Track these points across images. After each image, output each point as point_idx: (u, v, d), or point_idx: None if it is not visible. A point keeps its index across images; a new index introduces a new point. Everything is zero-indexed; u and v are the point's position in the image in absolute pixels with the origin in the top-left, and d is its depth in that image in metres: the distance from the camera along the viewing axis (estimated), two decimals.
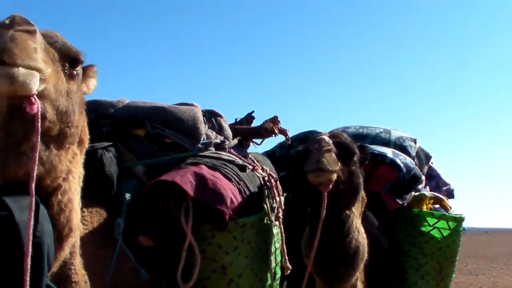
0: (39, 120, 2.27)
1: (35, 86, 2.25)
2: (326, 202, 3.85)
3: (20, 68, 2.15)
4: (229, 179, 3.82)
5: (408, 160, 5.32)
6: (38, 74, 2.24)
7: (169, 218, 3.63)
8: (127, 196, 3.64)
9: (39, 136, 2.27)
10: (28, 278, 2.12)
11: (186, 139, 4.05)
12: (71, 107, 2.55)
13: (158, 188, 3.61)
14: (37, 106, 2.25)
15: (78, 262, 2.86)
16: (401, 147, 5.53)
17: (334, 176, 3.85)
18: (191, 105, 4.30)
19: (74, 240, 2.72)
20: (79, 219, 2.72)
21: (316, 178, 3.79)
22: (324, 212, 3.87)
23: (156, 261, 3.72)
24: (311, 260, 3.98)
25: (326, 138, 3.90)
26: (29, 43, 2.20)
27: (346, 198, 4.09)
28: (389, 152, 5.26)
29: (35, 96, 2.25)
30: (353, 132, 5.44)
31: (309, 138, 4.90)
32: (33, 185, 2.23)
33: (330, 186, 3.85)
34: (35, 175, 2.26)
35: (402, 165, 5.17)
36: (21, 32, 2.17)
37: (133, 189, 3.73)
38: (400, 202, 5.27)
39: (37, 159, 2.27)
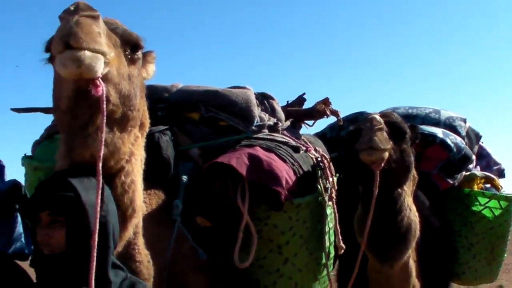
0: (104, 101, 2.36)
1: (100, 69, 2.34)
2: (378, 180, 3.90)
3: (86, 51, 2.25)
4: (284, 160, 3.87)
5: (459, 139, 5.32)
6: (102, 57, 2.34)
7: (226, 199, 3.71)
8: (184, 178, 3.72)
9: (104, 117, 2.36)
10: (95, 254, 2.22)
11: (240, 121, 4.12)
12: (133, 91, 2.64)
13: (215, 170, 3.69)
14: (102, 88, 2.34)
15: (141, 242, 2.96)
16: (451, 126, 5.53)
17: (386, 155, 3.90)
18: (244, 88, 4.35)
19: (137, 221, 2.82)
20: (142, 200, 2.82)
21: (368, 157, 3.85)
22: (377, 191, 3.92)
23: (213, 241, 3.80)
24: (365, 238, 4.06)
25: (378, 117, 3.96)
26: (93, 27, 2.28)
27: (398, 176, 4.15)
28: (439, 132, 5.27)
29: (99, 79, 2.34)
30: (403, 113, 5.45)
31: (359, 119, 4.94)
32: (100, 165, 2.32)
33: (382, 164, 3.91)
34: (101, 154, 2.35)
35: (452, 145, 5.18)
36: (85, 17, 2.26)
37: (189, 171, 3.81)
38: (451, 182, 5.28)
39: (103, 140, 2.36)
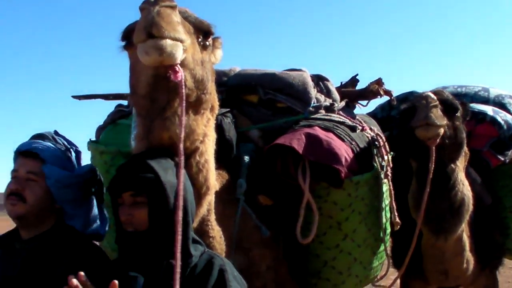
0: (183, 86, 2.51)
1: (180, 56, 2.50)
2: (434, 156, 4.03)
3: (167, 39, 2.40)
4: (342, 140, 3.98)
5: (509, 117, 5.36)
6: (181, 44, 2.49)
7: (287, 178, 3.83)
8: (246, 158, 3.83)
9: (184, 101, 2.51)
10: (180, 229, 2.35)
11: (298, 103, 4.21)
12: (205, 75, 2.78)
13: (276, 150, 3.82)
14: (181, 74, 2.49)
15: (213, 219, 3.11)
16: (500, 104, 5.57)
17: (441, 131, 4.05)
18: (300, 70, 4.45)
19: (210, 198, 2.96)
20: (215, 179, 2.96)
21: (425, 133, 4.00)
22: (433, 166, 4.04)
23: (275, 218, 3.94)
24: (422, 212, 4.18)
25: (432, 94, 4.08)
26: (173, 17, 2.44)
27: (451, 152, 4.31)
28: (489, 110, 5.33)
29: (178, 65, 2.50)
30: (452, 92, 5.49)
31: (409, 99, 5.02)
32: (182, 146, 2.48)
33: (437, 140, 4.02)
34: (182, 136, 2.50)
35: (502, 122, 5.23)
36: (165, 7, 2.41)
37: (250, 152, 3.91)
38: (502, 159, 5.31)
39: (184, 122, 2.51)
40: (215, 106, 3.01)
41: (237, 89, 4.21)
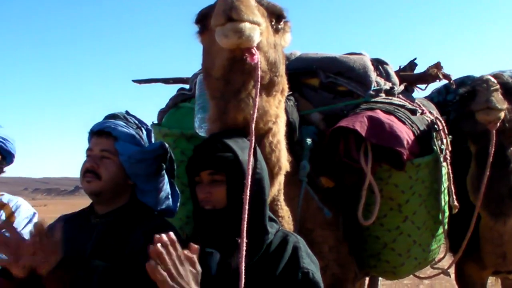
0: (259, 69, 2.58)
1: (257, 39, 2.58)
2: (494, 140, 4.04)
3: (246, 22, 2.48)
4: (403, 122, 4.01)
5: None
6: (258, 28, 2.56)
7: (350, 160, 3.87)
8: (308, 141, 3.88)
9: (259, 83, 2.58)
10: (247, 207, 2.39)
11: (359, 86, 4.25)
12: (278, 58, 2.86)
13: (338, 133, 3.87)
14: (257, 56, 2.57)
15: (283, 199, 3.18)
16: None
17: (502, 115, 4.08)
18: (360, 54, 4.49)
19: (282, 178, 3.03)
20: (286, 159, 3.02)
21: (486, 117, 4.03)
22: (493, 149, 4.05)
23: (336, 200, 4.00)
24: (481, 195, 4.20)
25: (492, 78, 4.08)
26: (250, 1, 2.51)
27: (511, 136, 4.27)
28: None
29: (255, 48, 2.57)
30: (510, 75, 5.47)
31: (466, 83, 5.01)
32: (253, 126, 2.53)
33: (498, 124, 4.03)
34: (255, 116, 2.56)
35: None
36: None
37: (312, 135, 3.96)
38: None
39: (257, 103, 2.57)
40: (285, 88, 3.08)
41: (298, 73, 4.25)
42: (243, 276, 2.33)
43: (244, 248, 2.36)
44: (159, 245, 2.14)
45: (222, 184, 2.50)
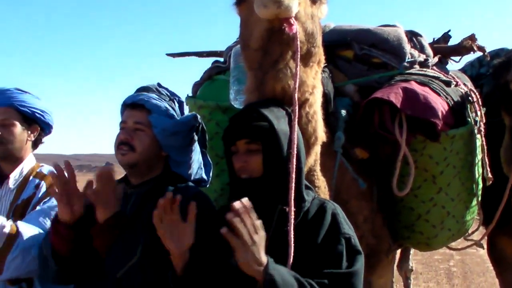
0: (298, 39, 2.60)
1: (296, 9, 2.61)
2: None
3: None
4: (438, 94, 4.02)
5: None
6: None
7: (384, 132, 3.89)
8: (343, 112, 3.90)
9: (298, 53, 2.60)
10: (293, 176, 2.47)
11: (393, 58, 4.25)
12: (315, 29, 2.88)
13: (373, 104, 3.89)
14: (295, 27, 2.59)
15: (319, 170, 3.20)
16: None
17: None
18: (394, 26, 4.48)
19: (318, 148, 3.05)
20: (322, 130, 3.04)
21: None
22: None
23: (370, 171, 4.02)
24: None
25: None
26: None
27: None
28: None
29: (293, 18, 2.60)
30: None
31: (500, 55, 4.98)
32: (296, 96, 2.59)
33: None
34: (297, 86, 2.60)
35: None
36: None
37: (347, 106, 3.99)
38: None
39: (298, 73, 2.60)
40: (322, 60, 3.09)
41: (332, 45, 4.25)
42: (292, 244, 2.40)
43: (293, 216, 2.43)
44: (233, 213, 2.23)
45: (258, 153, 2.53)
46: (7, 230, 3.05)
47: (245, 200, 2.27)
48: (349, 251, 2.46)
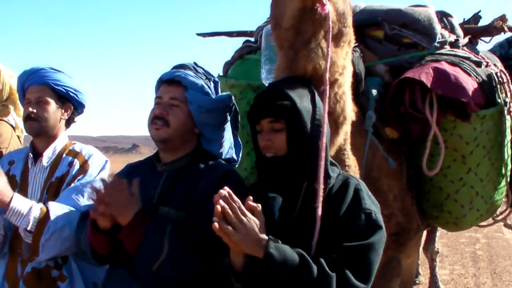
0: (330, 18, 2.62)
1: None
2: None
3: None
4: (469, 74, 4.02)
5: None
6: None
7: (414, 111, 3.91)
8: (374, 92, 3.93)
9: (330, 33, 2.63)
10: (323, 154, 2.49)
11: (423, 38, 4.25)
12: (346, 9, 2.89)
13: (404, 84, 3.91)
14: (328, 6, 2.61)
15: (349, 148, 3.23)
16: None
17: None
18: (425, 6, 4.48)
19: (347, 128, 3.07)
20: (351, 110, 3.06)
21: None
22: None
23: (400, 151, 4.05)
24: None
25: None
26: None
27: None
28: None
29: None
30: None
31: None
32: (327, 75, 2.60)
33: None
34: (328, 66, 2.62)
35: None
36: None
37: (377, 86, 4.01)
38: None
39: (330, 53, 2.62)
40: (352, 40, 3.09)
41: (363, 25, 4.26)
42: (319, 221, 2.42)
43: (321, 194, 2.45)
44: (220, 201, 2.26)
45: (282, 132, 2.54)
46: (37, 213, 3.12)
47: (226, 188, 2.30)
48: (368, 226, 2.45)
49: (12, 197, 3.07)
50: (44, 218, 3.12)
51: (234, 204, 2.28)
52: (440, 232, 8.04)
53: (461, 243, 11.53)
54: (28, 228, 3.10)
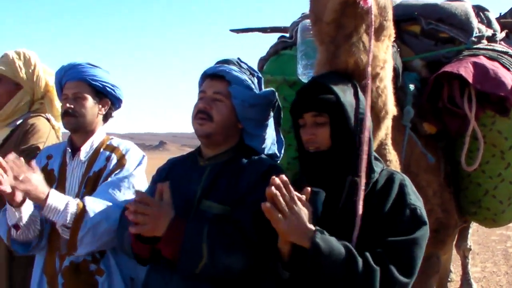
0: (372, 12, 2.60)
1: None
2: None
3: None
4: (508, 69, 3.97)
5: None
6: None
7: (453, 106, 3.88)
8: (411, 87, 3.91)
9: (373, 27, 2.60)
10: (366, 148, 2.47)
11: (460, 33, 4.22)
12: (387, 3, 2.86)
13: (442, 79, 3.88)
14: (370, 0, 2.58)
15: (390, 143, 3.21)
16: None
17: None
18: (461, 0, 4.44)
19: (389, 122, 3.04)
20: (393, 104, 3.04)
21: None
22: None
23: (438, 146, 4.02)
24: None
25: None
26: None
27: None
28: None
29: None
30: None
31: None
32: (369, 69, 2.58)
33: None
34: (370, 60, 2.60)
35: None
36: None
37: (414, 81, 3.99)
38: None
39: (372, 47, 2.60)
40: (392, 34, 3.05)
41: (399, 20, 4.23)
42: (360, 215, 2.41)
43: (363, 188, 2.44)
44: (273, 187, 2.25)
45: (325, 126, 2.53)
46: (73, 209, 3.13)
47: (283, 176, 2.30)
48: (413, 221, 2.44)
49: (48, 194, 3.08)
50: (81, 213, 3.14)
51: (285, 192, 2.28)
52: (471, 229, 7.98)
53: (492, 240, 11.43)
54: (66, 224, 3.13)
